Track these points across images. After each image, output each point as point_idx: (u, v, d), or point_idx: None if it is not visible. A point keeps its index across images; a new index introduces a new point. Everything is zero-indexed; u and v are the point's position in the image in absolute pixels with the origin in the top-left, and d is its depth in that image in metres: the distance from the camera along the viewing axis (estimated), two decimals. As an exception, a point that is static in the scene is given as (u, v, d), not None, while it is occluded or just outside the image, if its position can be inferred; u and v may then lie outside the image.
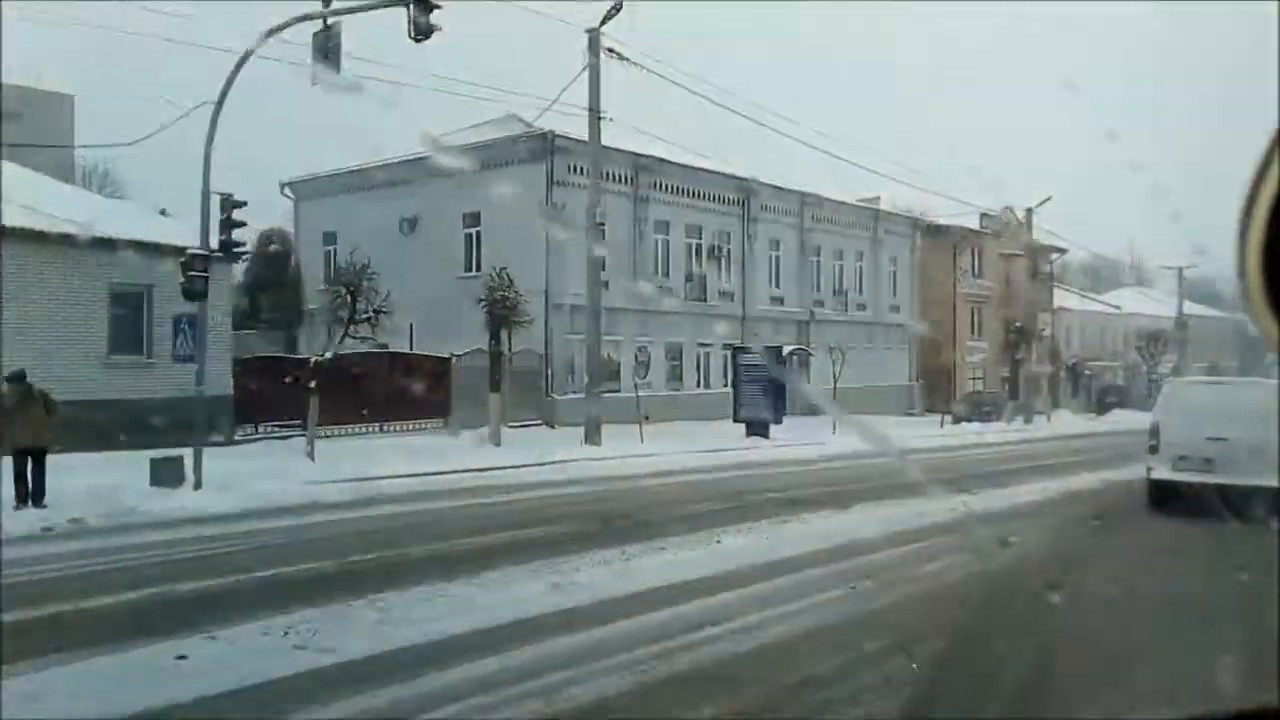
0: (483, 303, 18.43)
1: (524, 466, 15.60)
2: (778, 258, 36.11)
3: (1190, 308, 59.88)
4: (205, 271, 12.37)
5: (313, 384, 15.11)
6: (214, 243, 12.81)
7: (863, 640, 6.06)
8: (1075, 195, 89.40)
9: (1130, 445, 26.96)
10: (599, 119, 19.17)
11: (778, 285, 36.20)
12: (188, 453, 13.03)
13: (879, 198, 41.17)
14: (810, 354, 35.69)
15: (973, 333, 46.92)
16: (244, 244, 13.15)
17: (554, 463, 16.21)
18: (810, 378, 36.00)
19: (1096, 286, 75.09)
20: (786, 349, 35.13)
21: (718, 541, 9.37)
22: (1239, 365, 69.65)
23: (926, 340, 43.46)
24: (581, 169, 28.16)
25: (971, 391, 42.91)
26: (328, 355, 15.37)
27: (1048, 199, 35.86)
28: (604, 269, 29.41)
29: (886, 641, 6.01)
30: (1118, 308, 64.02)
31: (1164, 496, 11.94)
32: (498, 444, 18.23)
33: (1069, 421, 38.90)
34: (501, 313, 18.10)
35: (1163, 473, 12.00)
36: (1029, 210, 36.31)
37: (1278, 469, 10.44)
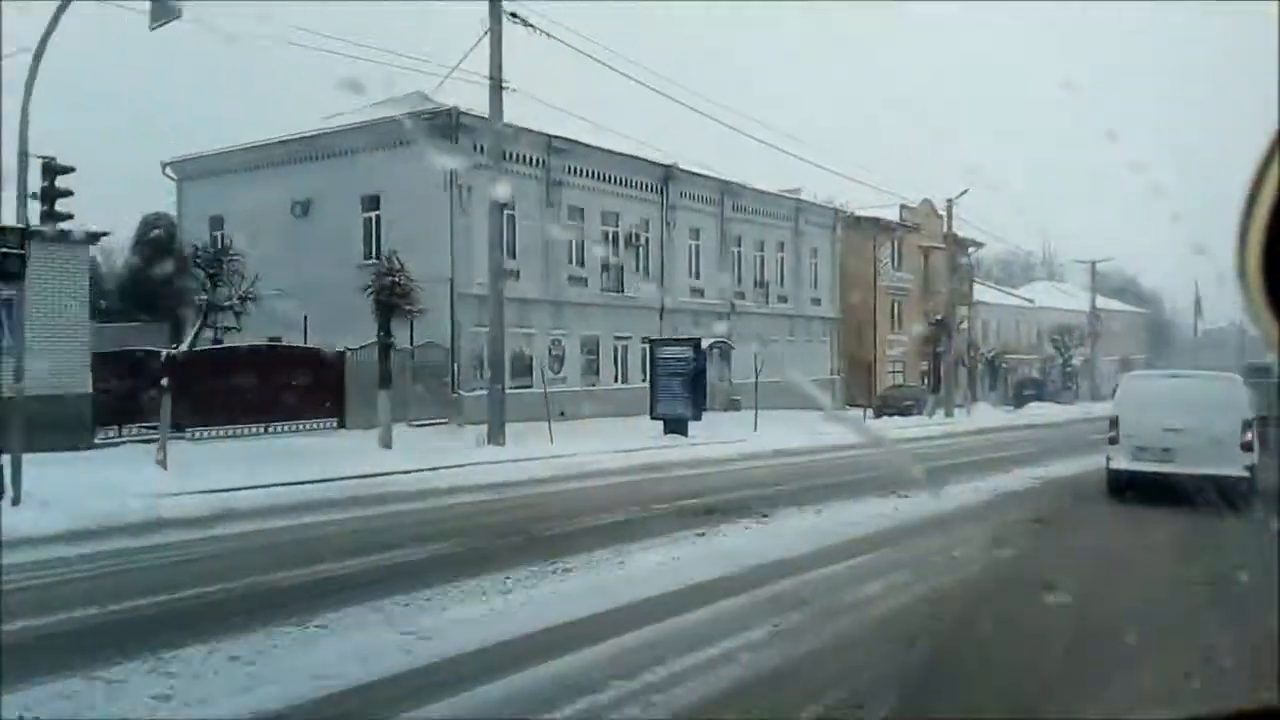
0: (369, 290, 16.63)
1: (415, 471, 13.94)
2: (698, 247, 34.96)
3: (1101, 302, 61.07)
4: (21, 248, 10.43)
5: (164, 381, 13.18)
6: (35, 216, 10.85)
7: (792, 708, 4.73)
8: (989, 189, 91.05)
9: (1053, 440, 26.64)
10: (500, 89, 17.55)
11: (698, 276, 35.05)
12: (25, 460, 11.06)
13: (800, 189, 40.44)
14: (732, 347, 34.67)
15: (893, 326, 46.68)
16: (71, 216, 11.20)
17: (450, 466, 14.59)
18: (731, 371, 35.04)
19: (1009, 280, 76.37)
20: (707, 342, 34.02)
21: (621, 563, 7.96)
22: (1146, 357, 71.71)
23: (847, 333, 42.99)
24: (501, 152, 26.40)
25: (892, 385, 42.57)
26: (181, 348, 13.45)
27: (964, 191, 35.52)
28: (514, 256, 27.84)
29: (822, 709, 4.69)
30: (1031, 301, 65.00)
31: (1123, 485, 12.34)
32: (388, 446, 16.49)
33: (989, 415, 38.77)
34: (391, 301, 16.34)
35: (1122, 463, 12.36)
36: (949, 201, 35.95)
37: (1234, 458, 11.40)
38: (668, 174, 32.61)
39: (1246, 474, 11.51)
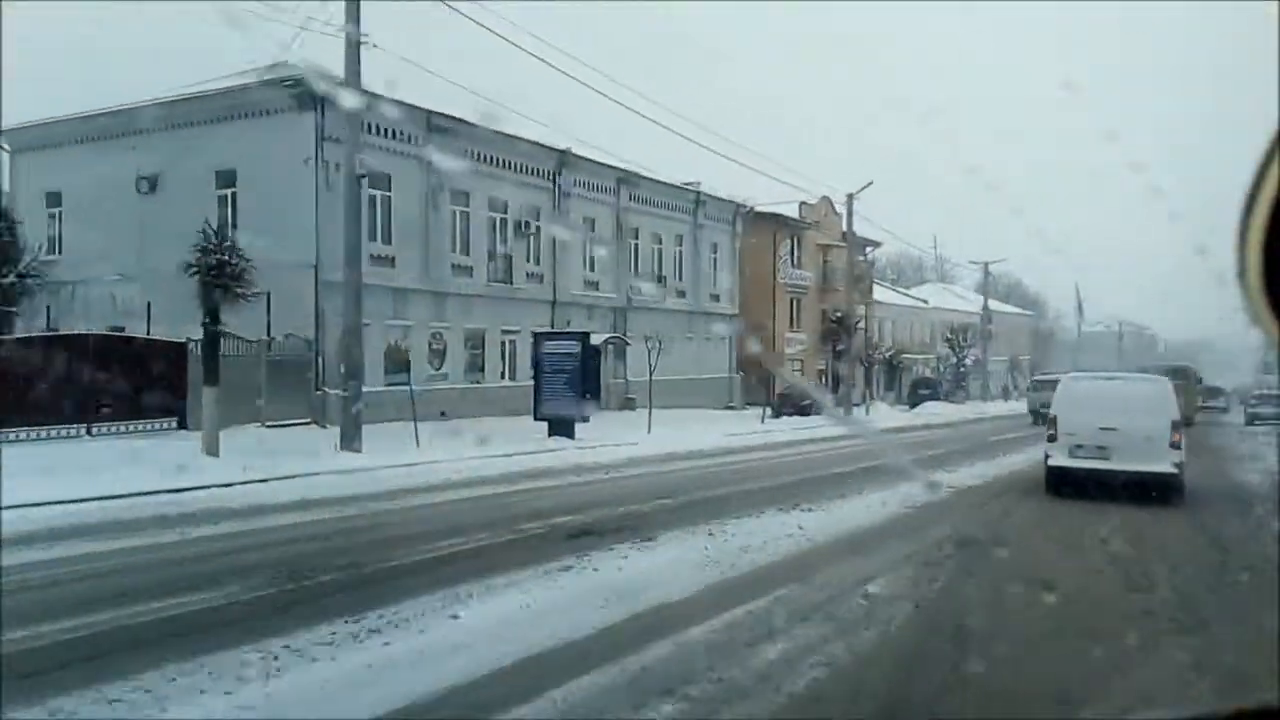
0: (192, 269, 14.17)
1: (238, 484, 11.73)
2: (591, 238, 33.18)
3: (990, 303, 61.96)
4: None
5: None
6: None
7: None
8: (880, 190, 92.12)
9: (954, 441, 25.87)
10: (358, 44, 15.35)
11: (592, 269, 33.28)
12: None
13: (700, 181, 39.08)
14: (627, 343, 33.07)
15: (792, 324, 45.95)
16: None
17: (285, 478, 12.40)
18: (627, 369, 33.45)
19: (902, 281, 77.32)
20: (600, 338, 32.33)
21: (456, 615, 6.12)
22: (1031, 358, 73.51)
23: (747, 331, 41.94)
24: (361, 122, 24.04)
25: (792, 384, 41.67)
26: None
27: (868, 184, 34.77)
28: (389, 242, 25.55)
29: None
30: (925, 302, 65.64)
31: (1061, 481, 12.79)
32: (214, 452, 14.13)
33: (886, 414, 38.24)
34: (219, 283, 13.94)
35: (1060, 460, 12.84)
36: (849, 196, 35.15)
37: (1164, 456, 12.14)
38: (562, 160, 30.72)
39: (1175, 470, 12.31)
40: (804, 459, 19.16)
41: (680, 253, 38.20)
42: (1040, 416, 31.98)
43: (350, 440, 15.45)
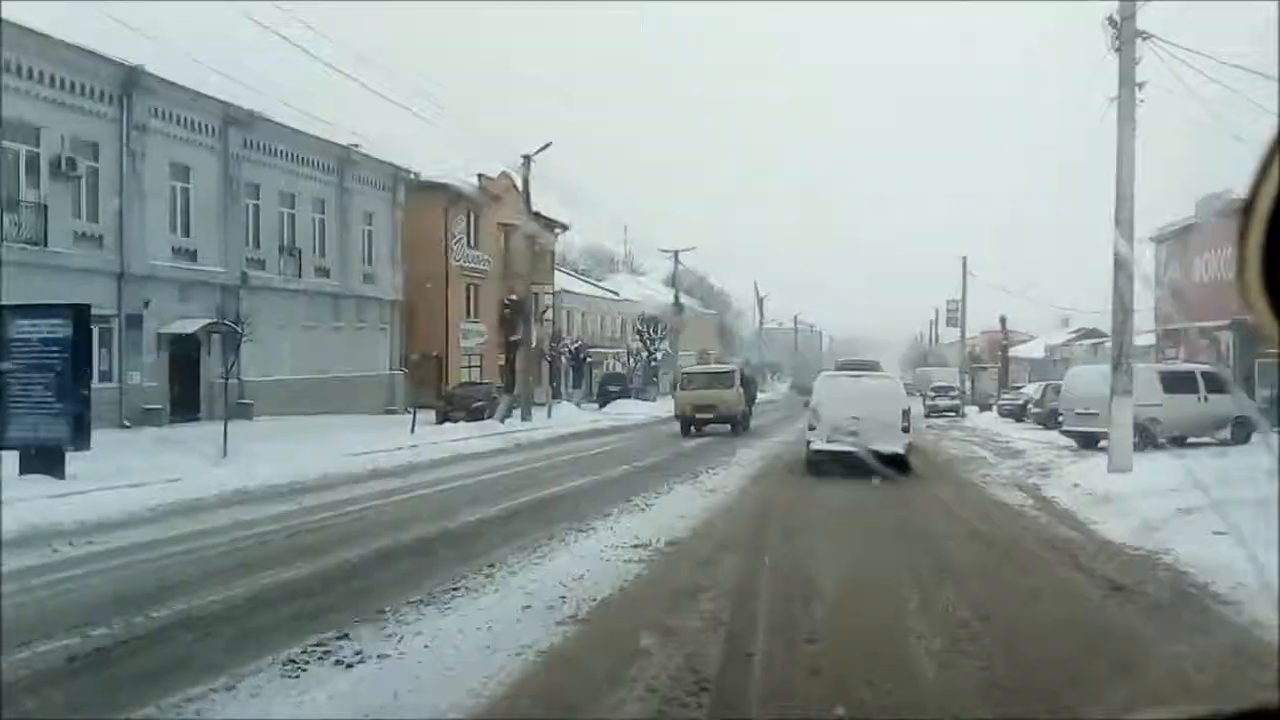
0: None
1: None
2: (186, 191, 24.93)
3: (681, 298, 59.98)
4: None
5: None
6: None
7: None
8: (573, 177, 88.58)
9: (645, 449, 21.12)
10: None
11: (187, 233, 25.05)
12: None
13: (360, 144, 31.82)
14: (240, 333, 25.24)
15: (469, 313, 40.01)
16: None
17: None
18: (240, 367, 25.64)
19: (594, 274, 74.25)
20: (198, 324, 24.39)
21: None
22: (717, 353, 73.44)
23: (412, 320, 35.36)
24: None
25: (463, 382, 35.68)
26: None
27: (546, 145, 29.57)
28: None
29: None
30: (616, 293, 62.61)
31: (819, 461, 15.27)
32: None
33: (572, 416, 33.46)
34: None
35: (819, 444, 15.36)
36: (526, 158, 29.74)
37: (898, 439, 14.85)
38: (131, 79, 22.32)
39: (904, 450, 14.87)
40: (439, 494, 13.26)
41: (322, 221, 30.77)
42: (695, 424, 26.10)
43: None
